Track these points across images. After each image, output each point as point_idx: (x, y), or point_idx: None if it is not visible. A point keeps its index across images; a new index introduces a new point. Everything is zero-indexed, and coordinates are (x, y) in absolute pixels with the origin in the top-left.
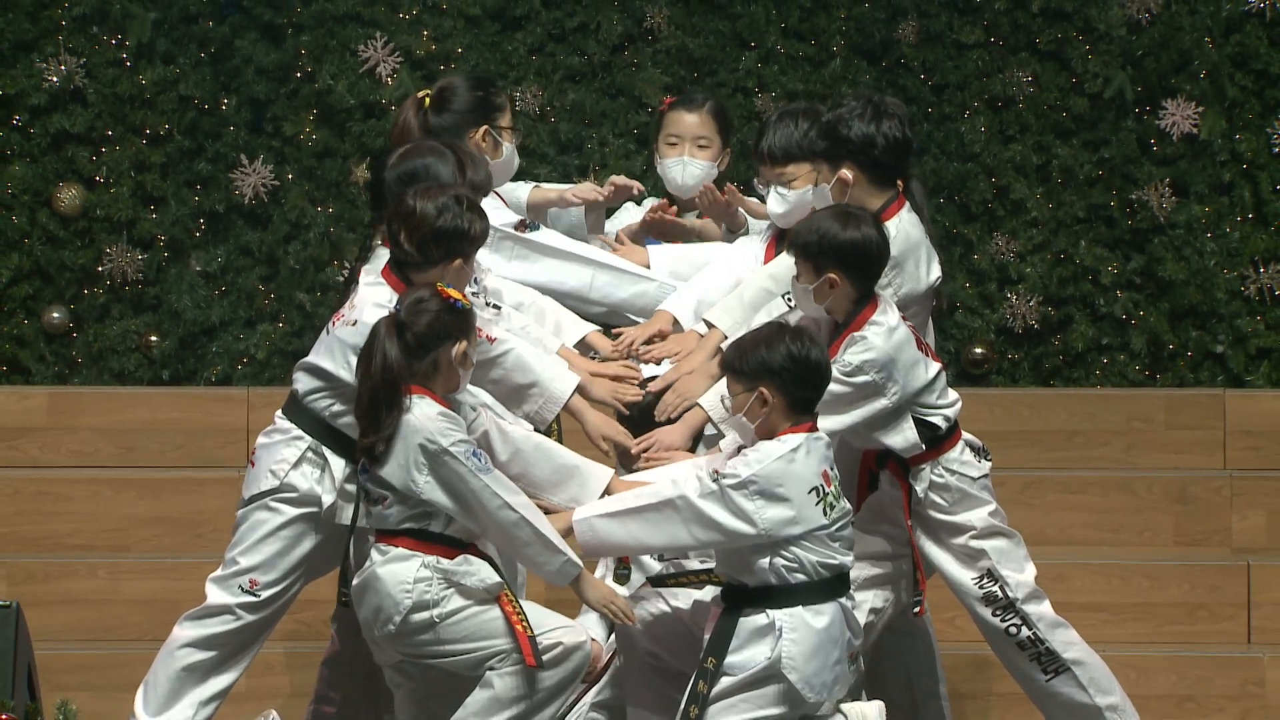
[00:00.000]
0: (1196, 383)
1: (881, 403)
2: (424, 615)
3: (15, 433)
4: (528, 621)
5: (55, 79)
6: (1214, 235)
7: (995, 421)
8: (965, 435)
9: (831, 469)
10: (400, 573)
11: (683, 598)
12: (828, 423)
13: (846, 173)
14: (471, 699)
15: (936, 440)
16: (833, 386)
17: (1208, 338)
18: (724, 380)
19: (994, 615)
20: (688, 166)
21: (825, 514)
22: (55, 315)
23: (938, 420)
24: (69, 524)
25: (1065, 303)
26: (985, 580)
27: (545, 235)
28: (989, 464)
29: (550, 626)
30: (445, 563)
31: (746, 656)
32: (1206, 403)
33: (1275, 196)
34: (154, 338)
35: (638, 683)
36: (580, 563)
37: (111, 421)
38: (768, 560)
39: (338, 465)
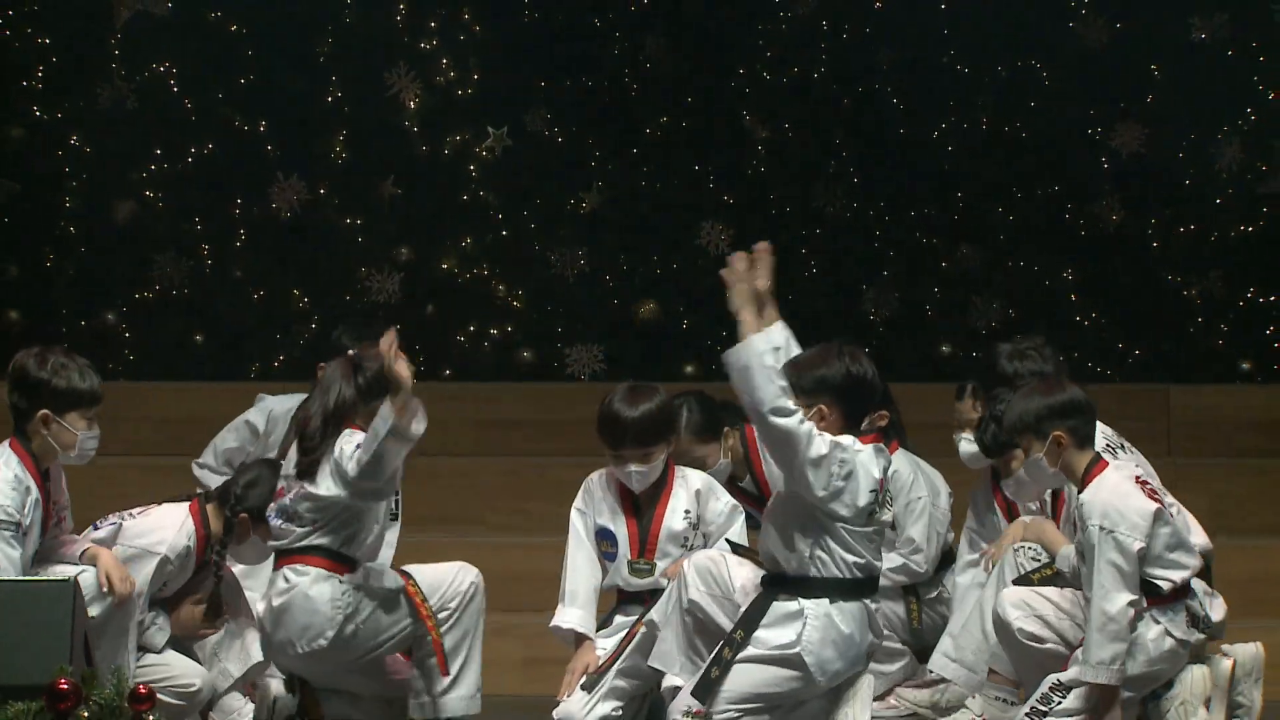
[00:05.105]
0: (1144, 379)
1: None
2: (351, 626)
3: None
4: (429, 606)
5: (110, 102)
6: (1160, 245)
7: None
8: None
9: (888, 480)
10: (328, 592)
11: (742, 569)
12: None
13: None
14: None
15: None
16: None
17: (1154, 338)
18: None
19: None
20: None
21: (875, 510)
22: (109, 317)
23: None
24: (123, 506)
25: (1024, 306)
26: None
27: None
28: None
29: (445, 585)
30: (353, 577)
31: (772, 634)
32: (1152, 397)
33: (1215, 210)
34: (198, 337)
35: (673, 623)
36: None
37: (161, 413)
38: (808, 548)
39: None
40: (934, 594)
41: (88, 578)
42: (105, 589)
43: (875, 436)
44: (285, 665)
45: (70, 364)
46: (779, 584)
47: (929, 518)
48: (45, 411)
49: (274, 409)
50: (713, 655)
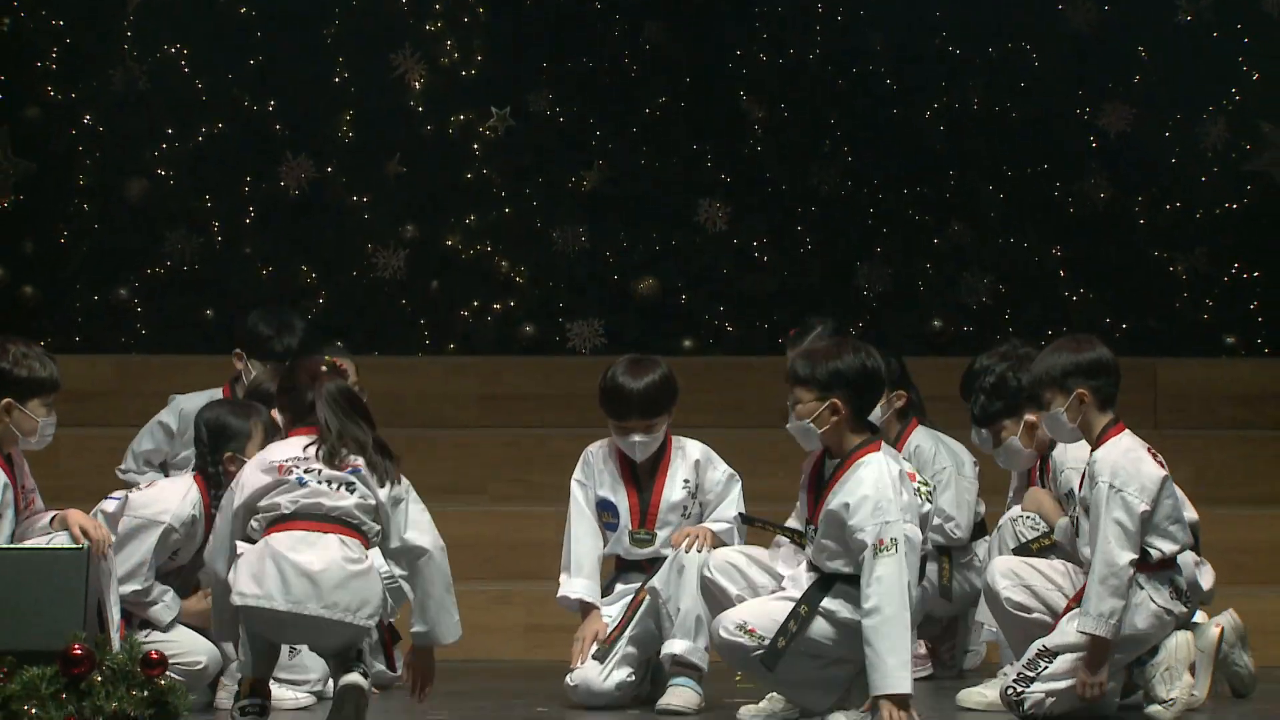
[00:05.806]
0: (1131, 353)
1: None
2: (385, 609)
3: (86, 395)
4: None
5: (122, 83)
6: (1146, 222)
7: (955, 386)
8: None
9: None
10: (380, 573)
11: (757, 551)
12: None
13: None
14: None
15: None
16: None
17: (1140, 313)
18: None
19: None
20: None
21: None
22: (121, 293)
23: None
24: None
25: (1014, 282)
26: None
27: None
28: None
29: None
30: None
31: (838, 606)
32: (1139, 371)
33: (1201, 188)
34: (209, 312)
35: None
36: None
37: (170, 386)
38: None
39: None
40: (966, 559)
41: (62, 540)
42: (81, 543)
43: (875, 446)
44: (304, 619)
45: (30, 353)
46: (844, 580)
47: (955, 487)
48: (8, 400)
49: (185, 408)
50: (780, 628)
